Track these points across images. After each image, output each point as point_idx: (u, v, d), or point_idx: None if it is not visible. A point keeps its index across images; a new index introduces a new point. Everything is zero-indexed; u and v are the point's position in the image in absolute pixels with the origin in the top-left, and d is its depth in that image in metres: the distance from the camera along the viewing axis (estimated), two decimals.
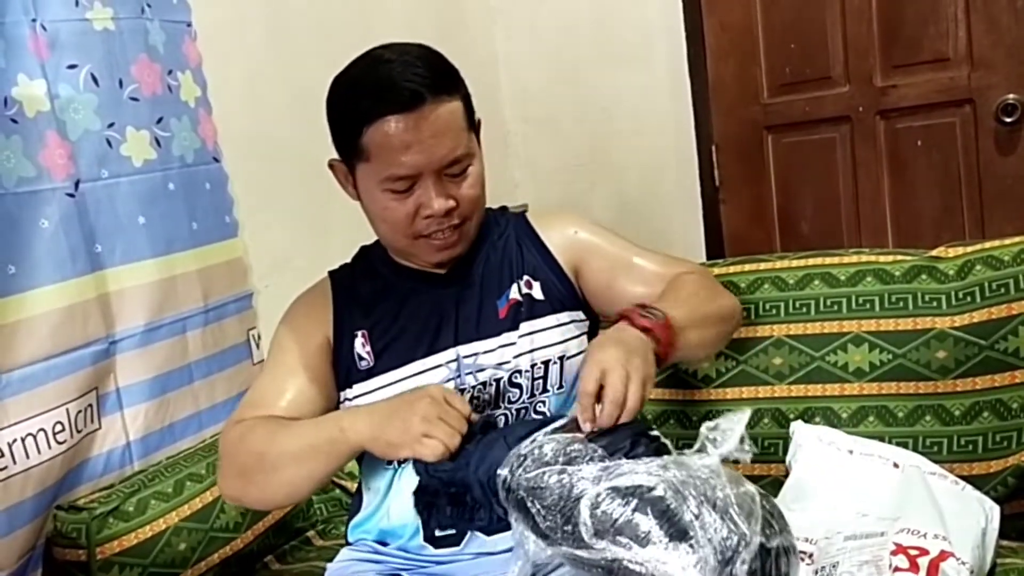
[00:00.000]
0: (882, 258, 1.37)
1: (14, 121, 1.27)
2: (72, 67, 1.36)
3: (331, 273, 1.22)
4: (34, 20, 1.30)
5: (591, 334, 1.19)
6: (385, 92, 1.02)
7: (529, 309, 1.14)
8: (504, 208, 1.26)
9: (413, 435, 0.96)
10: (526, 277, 1.16)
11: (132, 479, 1.37)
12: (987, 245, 1.33)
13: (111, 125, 1.41)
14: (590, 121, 2.40)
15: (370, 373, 1.12)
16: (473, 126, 1.11)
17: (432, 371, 1.11)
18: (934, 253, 1.36)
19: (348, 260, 1.24)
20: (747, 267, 1.44)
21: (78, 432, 1.34)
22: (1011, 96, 1.93)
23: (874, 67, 2.07)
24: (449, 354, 1.12)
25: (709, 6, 2.22)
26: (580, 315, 1.18)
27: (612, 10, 2.32)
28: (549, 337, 1.13)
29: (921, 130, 2.05)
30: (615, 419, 0.90)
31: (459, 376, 1.11)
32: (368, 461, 1.14)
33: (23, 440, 1.24)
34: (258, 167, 1.75)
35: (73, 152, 1.35)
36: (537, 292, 1.15)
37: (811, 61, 2.13)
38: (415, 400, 0.99)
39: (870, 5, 2.05)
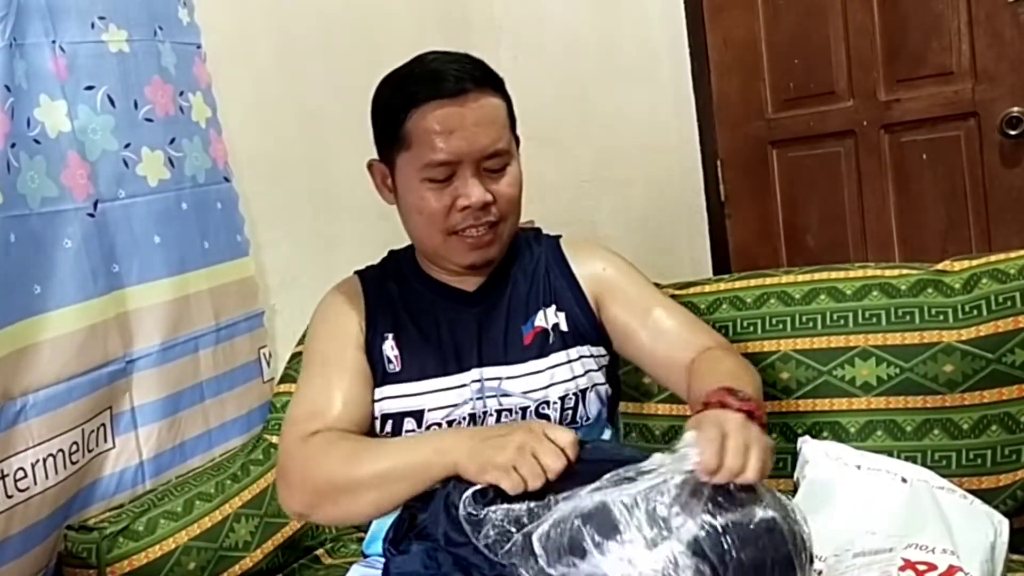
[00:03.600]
0: (888, 272, 1.38)
1: (37, 142, 1.28)
2: (89, 88, 1.37)
3: (358, 273, 1.22)
4: (54, 41, 1.32)
5: (610, 370, 1.18)
6: (432, 80, 1.06)
7: (554, 339, 1.13)
8: (539, 231, 1.25)
9: (503, 462, 0.90)
10: (553, 306, 1.14)
11: (141, 498, 1.37)
12: (993, 258, 1.33)
13: (127, 146, 1.43)
14: (595, 138, 2.41)
15: (397, 377, 1.12)
16: (514, 133, 1.13)
17: (455, 390, 1.11)
18: (940, 267, 1.37)
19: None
20: (753, 282, 1.45)
21: (89, 452, 1.34)
22: (1015, 109, 1.94)
23: (878, 81, 2.08)
24: (472, 374, 1.11)
25: (713, 22, 2.24)
26: (601, 351, 1.16)
27: (616, 28, 2.33)
28: (573, 369, 1.12)
29: (925, 144, 2.06)
30: (735, 475, 0.81)
31: (481, 398, 1.10)
32: None
33: (44, 461, 1.25)
34: (267, 187, 1.77)
35: (92, 172, 1.37)
36: (562, 323, 1.14)
37: (815, 76, 2.14)
38: (513, 429, 0.94)
39: (873, 20, 2.06)
